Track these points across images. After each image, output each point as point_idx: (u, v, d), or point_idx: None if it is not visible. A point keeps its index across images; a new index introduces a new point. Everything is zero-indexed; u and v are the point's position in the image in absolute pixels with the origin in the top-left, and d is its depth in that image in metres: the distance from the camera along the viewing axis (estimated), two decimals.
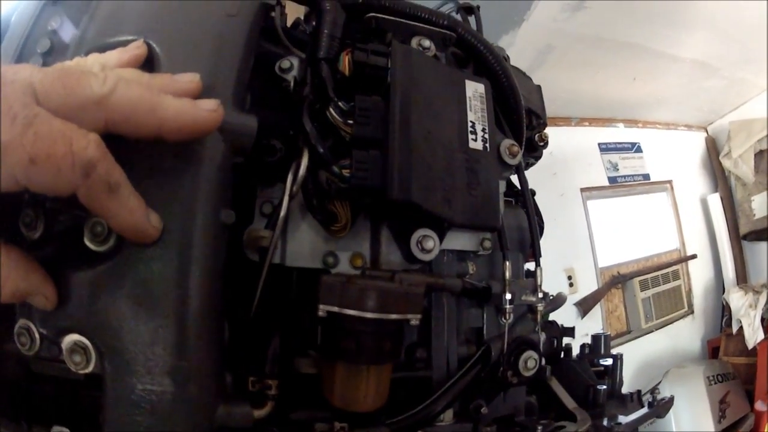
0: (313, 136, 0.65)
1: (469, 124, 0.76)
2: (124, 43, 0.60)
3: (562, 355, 1.15)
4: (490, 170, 0.75)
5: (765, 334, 4.45)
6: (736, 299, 4.74)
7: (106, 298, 0.52)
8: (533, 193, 1.06)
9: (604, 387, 1.06)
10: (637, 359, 4.79)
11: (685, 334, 5.19)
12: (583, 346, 1.24)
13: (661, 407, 1.16)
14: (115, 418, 0.51)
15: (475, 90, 0.79)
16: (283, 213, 0.64)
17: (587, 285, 4.69)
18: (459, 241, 0.78)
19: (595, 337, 1.23)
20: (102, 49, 0.59)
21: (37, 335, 0.54)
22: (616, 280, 4.82)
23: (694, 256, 5.28)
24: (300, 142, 0.66)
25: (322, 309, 0.61)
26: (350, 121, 0.66)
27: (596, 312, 4.69)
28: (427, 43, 0.80)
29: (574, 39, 3.73)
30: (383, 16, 0.78)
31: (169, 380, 0.51)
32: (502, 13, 3.28)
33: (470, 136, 0.75)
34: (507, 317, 0.80)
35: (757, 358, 4.42)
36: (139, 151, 0.52)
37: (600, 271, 4.80)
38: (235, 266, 0.62)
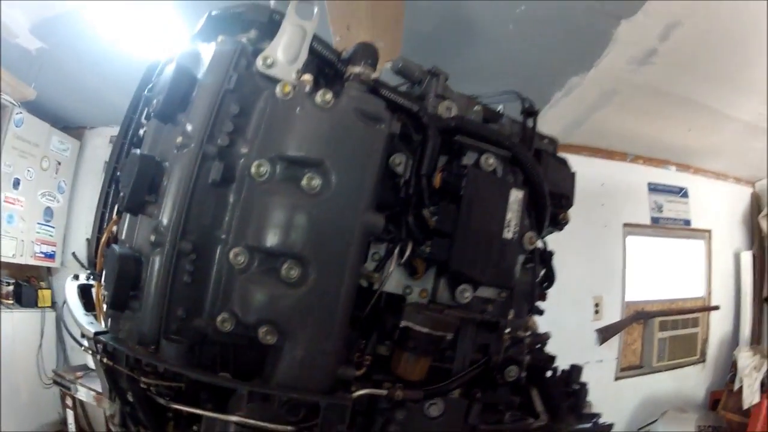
0: (415, 231, 1.21)
1: (506, 221, 1.30)
2: (302, 159, 1.11)
3: (549, 374, 1.67)
4: (513, 252, 1.31)
5: (762, 398, 4.77)
6: (744, 358, 5.12)
7: (297, 309, 1.09)
8: (551, 254, 1.60)
9: (567, 403, 1.58)
10: (642, 393, 5.31)
11: (692, 381, 5.63)
12: (562, 371, 1.74)
13: (598, 429, 1.66)
14: (287, 371, 1.10)
15: (516, 196, 1.33)
16: (390, 270, 1.21)
17: (611, 315, 5.19)
18: (486, 291, 1.33)
19: (573, 366, 1.73)
20: (282, 158, 1.11)
21: (236, 322, 1.09)
22: (639, 316, 5.29)
23: (717, 308, 5.69)
24: (404, 229, 1.22)
25: (404, 323, 1.18)
26: (435, 217, 1.22)
27: (615, 341, 5.19)
28: (491, 160, 1.34)
29: (637, 88, 4.14)
30: (466, 139, 1.32)
31: (321, 354, 1.10)
32: (573, 56, 3.78)
33: (505, 229, 1.29)
34: (504, 342, 1.34)
35: (749, 420, 4.79)
36: None
37: (626, 304, 5.27)
38: None
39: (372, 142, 1.17)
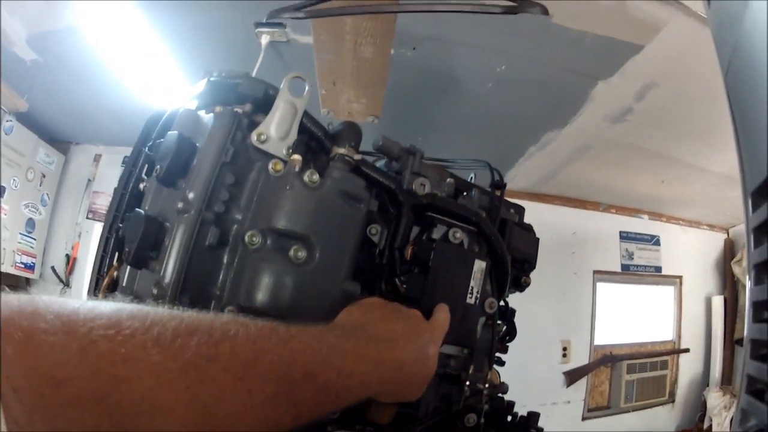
0: (387, 296, 1.39)
1: (470, 288, 1.49)
2: (290, 233, 1.27)
3: (509, 419, 1.83)
4: (475, 315, 1.49)
5: None
6: (714, 398, 5.36)
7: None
8: (513, 312, 1.78)
9: None
10: None
11: (662, 420, 5.78)
12: (521, 417, 1.90)
13: None
14: None
15: (479, 267, 1.51)
16: None
17: (579, 358, 5.37)
18: (449, 348, 1.50)
19: (530, 413, 1.89)
20: (272, 230, 1.26)
21: None
22: (607, 359, 5.48)
23: (687, 350, 5.89)
24: (377, 294, 1.40)
25: None
26: (404, 285, 1.40)
27: (582, 384, 5.37)
28: (458, 234, 1.52)
29: (611, 143, 4.35)
30: (436, 216, 1.51)
31: None
32: (549, 114, 4.00)
33: (468, 296, 1.48)
34: (465, 393, 1.52)
35: None
36: None
37: (594, 348, 5.45)
38: None
39: (352, 220, 1.36)
